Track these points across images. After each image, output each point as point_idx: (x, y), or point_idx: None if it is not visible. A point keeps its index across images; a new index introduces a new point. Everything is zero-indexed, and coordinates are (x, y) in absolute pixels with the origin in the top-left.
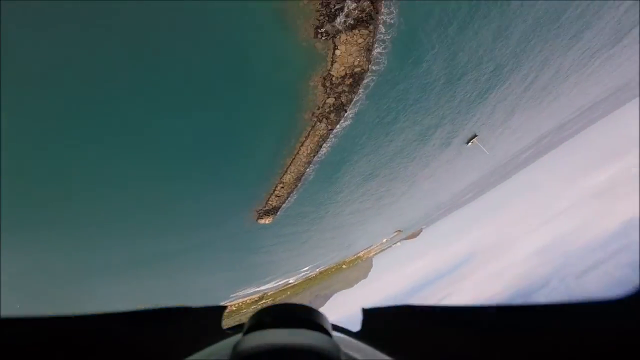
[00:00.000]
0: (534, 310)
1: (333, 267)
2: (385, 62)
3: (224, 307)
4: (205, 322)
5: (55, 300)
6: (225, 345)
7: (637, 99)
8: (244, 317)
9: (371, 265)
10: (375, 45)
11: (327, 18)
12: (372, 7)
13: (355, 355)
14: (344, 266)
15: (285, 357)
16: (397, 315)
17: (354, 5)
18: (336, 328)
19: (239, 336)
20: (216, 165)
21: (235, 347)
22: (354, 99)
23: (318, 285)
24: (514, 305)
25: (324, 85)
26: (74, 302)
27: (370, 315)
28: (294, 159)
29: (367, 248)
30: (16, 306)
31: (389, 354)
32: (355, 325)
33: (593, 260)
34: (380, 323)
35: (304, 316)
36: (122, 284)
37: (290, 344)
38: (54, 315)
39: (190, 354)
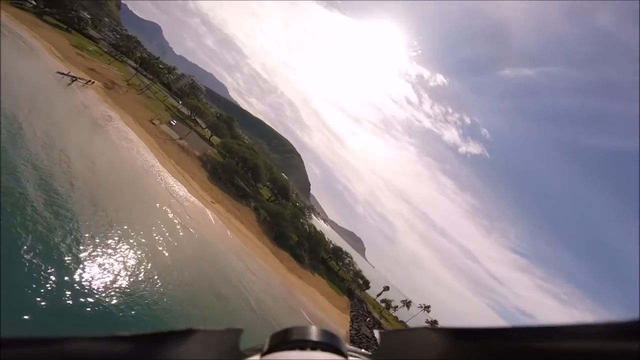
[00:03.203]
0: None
1: None
2: None
3: (241, 330)
4: (222, 343)
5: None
6: None
7: None
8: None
9: None
10: None
11: None
12: None
13: None
14: None
15: None
16: (416, 337)
17: None
18: (352, 350)
19: (256, 358)
20: None
21: None
22: None
23: None
24: (546, 326)
25: None
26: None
27: (387, 336)
28: None
29: None
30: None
31: None
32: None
33: None
34: (397, 345)
35: (321, 338)
36: None
37: None
38: (60, 337)
39: None
